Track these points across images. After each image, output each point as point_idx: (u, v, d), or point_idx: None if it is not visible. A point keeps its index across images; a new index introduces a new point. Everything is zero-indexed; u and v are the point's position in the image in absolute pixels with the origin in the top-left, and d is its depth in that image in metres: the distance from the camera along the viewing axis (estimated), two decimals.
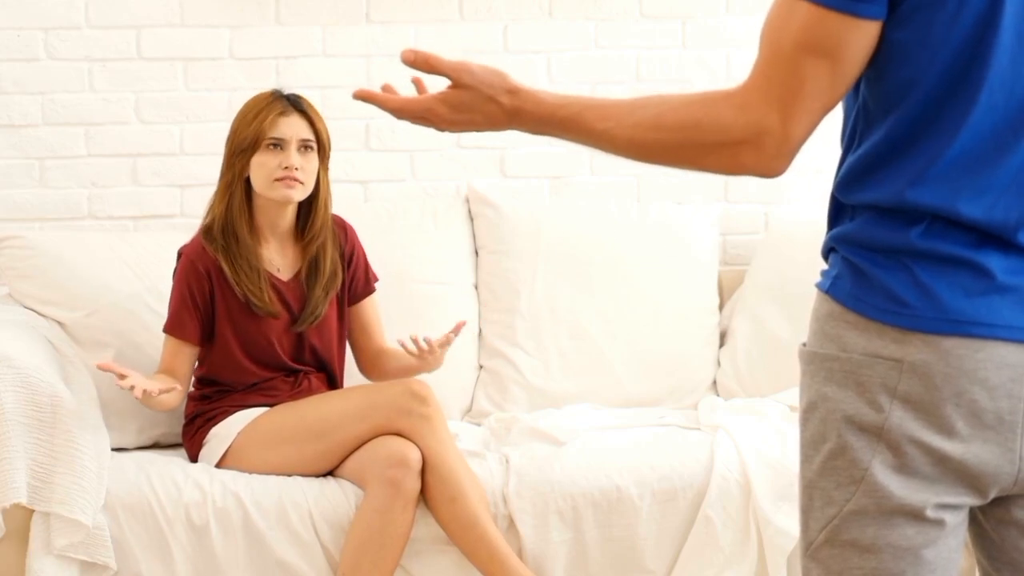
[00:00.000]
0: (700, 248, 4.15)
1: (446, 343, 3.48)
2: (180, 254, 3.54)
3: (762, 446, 3.50)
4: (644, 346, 4.03)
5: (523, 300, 4.02)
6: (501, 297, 4.04)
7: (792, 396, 3.85)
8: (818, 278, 1.89)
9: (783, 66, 1.78)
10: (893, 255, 1.80)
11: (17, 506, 3.22)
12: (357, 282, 3.65)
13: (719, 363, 4.10)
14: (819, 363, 1.85)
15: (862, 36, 1.76)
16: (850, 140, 1.87)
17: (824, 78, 1.76)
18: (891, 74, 1.80)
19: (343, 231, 3.64)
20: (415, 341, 3.46)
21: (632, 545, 3.41)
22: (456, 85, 1.94)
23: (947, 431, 1.79)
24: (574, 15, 4.27)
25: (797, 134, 1.79)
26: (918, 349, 1.78)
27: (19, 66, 4.07)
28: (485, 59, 4.20)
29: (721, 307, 4.18)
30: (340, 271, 3.60)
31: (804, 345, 1.90)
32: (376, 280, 3.70)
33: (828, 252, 1.90)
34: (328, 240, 3.58)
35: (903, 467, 1.81)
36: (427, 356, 3.48)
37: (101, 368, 3.31)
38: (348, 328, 3.66)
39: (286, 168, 3.47)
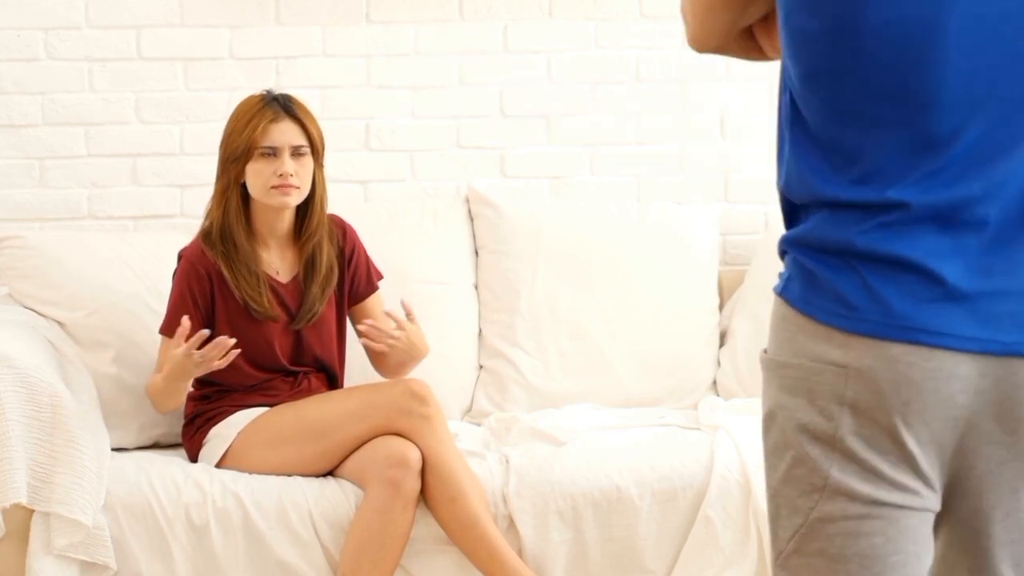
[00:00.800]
0: (700, 248, 4.15)
1: (402, 328, 3.46)
2: (180, 256, 3.54)
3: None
4: (644, 346, 4.03)
5: (523, 300, 4.02)
6: (501, 297, 4.04)
7: None
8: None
9: None
10: (842, 257, 1.78)
11: (17, 506, 3.22)
12: (359, 281, 3.65)
13: (719, 363, 4.09)
14: (775, 370, 1.84)
15: None
16: (782, 136, 1.86)
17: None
18: (806, 63, 1.79)
19: (342, 231, 3.63)
20: (375, 338, 3.45)
21: (632, 545, 3.41)
22: None
23: (893, 437, 1.77)
24: (574, 15, 4.27)
25: (702, 33, 1.93)
26: (862, 355, 1.76)
27: (19, 66, 4.07)
28: (485, 59, 4.25)
29: (721, 307, 4.18)
30: (336, 269, 3.59)
31: (764, 351, 1.89)
32: (380, 278, 3.69)
33: (782, 254, 1.88)
34: (324, 238, 3.58)
35: (860, 471, 1.79)
36: (393, 344, 3.46)
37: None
38: (356, 326, 3.65)
39: (280, 176, 3.46)
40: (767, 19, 1.93)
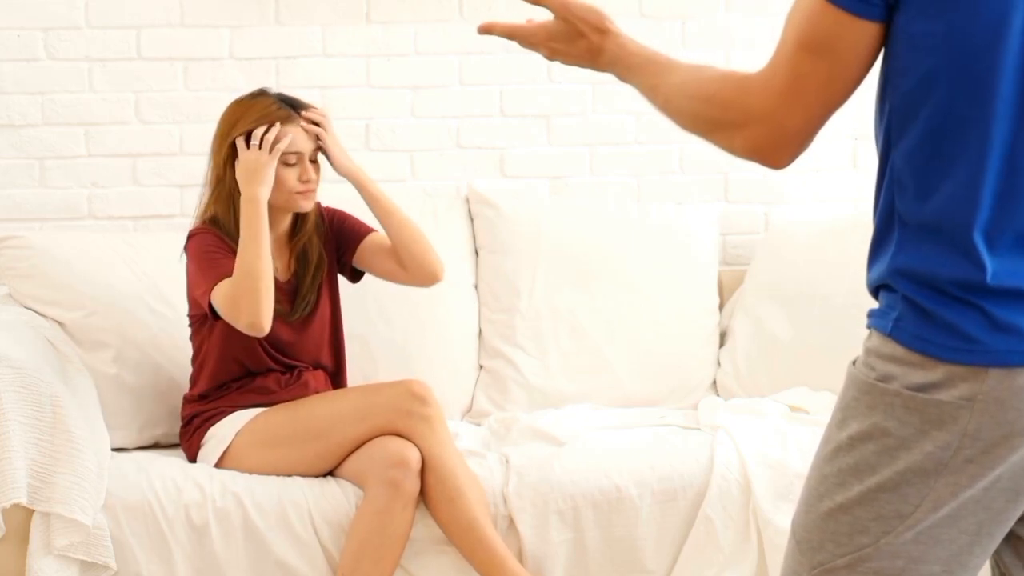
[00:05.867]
0: (700, 248, 4.15)
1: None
2: (192, 234, 3.49)
3: (762, 446, 3.50)
4: (644, 346, 4.02)
5: (523, 300, 4.02)
6: (501, 297, 4.04)
7: (792, 396, 3.85)
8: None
9: (784, 58, 1.81)
10: (960, 291, 1.78)
11: (17, 506, 3.22)
12: (346, 234, 3.65)
13: (719, 363, 4.09)
14: (878, 395, 1.83)
15: (859, 36, 1.78)
16: (887, 140, 1.85)
17: (820, 74, 1.79)
18: (916, 67, 1.78)
19: (320, 217, 3.64)
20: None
21: (632, 545, 3.41)
22: (557, 17, 2.04)
23: (1003, 460, 1.79)
24: None
25: (791, 126, 1.81)
26: (992, 387, 1.77)
27: (19, 66, 4.07)
28: (485, 59, 4.25)
29: (721, 307, 4.18)
30: (325, 257, 3.60)
31: (854, 365, 1.88)
32: (372, 231, 3.66)
33: (880, 287, 1.87)
34: (313, 232, 3.59)
35: (954, 495, 1.81)
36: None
37: None
38: (376, 263, 3.64)
39: (306, 182, 3.49)
40: None
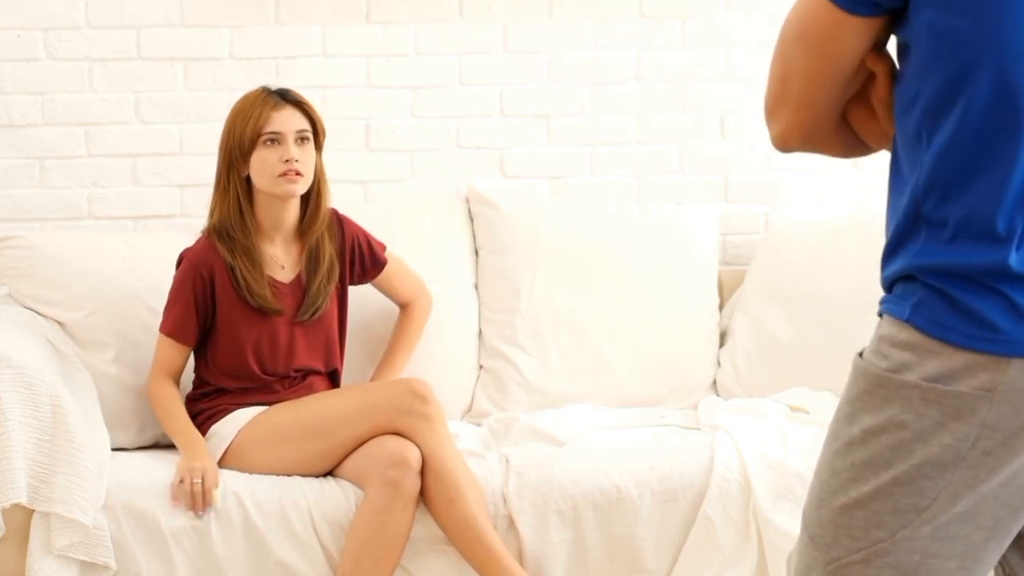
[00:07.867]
0: (700, 248, 4.15)
1: None
2: (182, 258, 3.53)
3: (762, 446, 3.50)
4: (644, 346, 4.02)
5: (523, 300, 4.02)
6: (501, 297, 4.04)
7: (792, 396, 3.85)
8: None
9: (777, 55, 1.86)
10: (986, 278, 1.76)
11: (17, 506, 3.22)
12: (366, 263, 3.68)
13: (719, 363, 4.09)
14: (895, 389, 1.80)
15: (852, 32, 1.80)
16: (916, 140, 1.83)
17: (809, 68, 1.82)
18: (945, 65, 1.76)
19: (338, 222, 3.64)
20: None
21: (632, 545, 3.41)
22: None
23: (1021, 453, 1.78)
24: (574, 15, 4.27)
25: (784, 121, 1.87)
26: (1013, 376, 1.75)
27: (19, 66, 4.07)
28: (485, 59, 4.25)
29: (721, 307, 4.18)
30: (337, 265, 3.60)
31: (861, 357, 1.85)
32: (385, 250, 3.73)
33: (897, 280, 1.84)
34: (325, 232, 3.59)
35: (972, 488, 1.79)
36: None
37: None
38: (384, 290, 3.76)
39: (287, 162, 3.46)
40: (861, 102, 1.90)
